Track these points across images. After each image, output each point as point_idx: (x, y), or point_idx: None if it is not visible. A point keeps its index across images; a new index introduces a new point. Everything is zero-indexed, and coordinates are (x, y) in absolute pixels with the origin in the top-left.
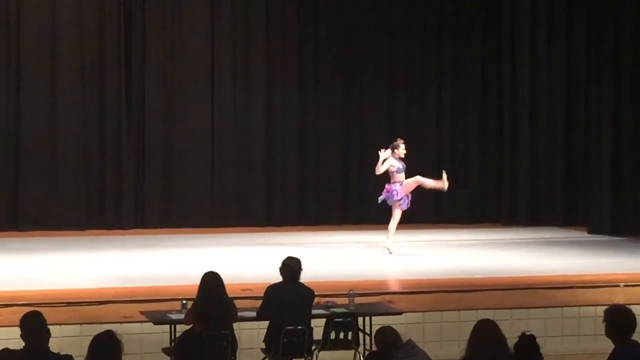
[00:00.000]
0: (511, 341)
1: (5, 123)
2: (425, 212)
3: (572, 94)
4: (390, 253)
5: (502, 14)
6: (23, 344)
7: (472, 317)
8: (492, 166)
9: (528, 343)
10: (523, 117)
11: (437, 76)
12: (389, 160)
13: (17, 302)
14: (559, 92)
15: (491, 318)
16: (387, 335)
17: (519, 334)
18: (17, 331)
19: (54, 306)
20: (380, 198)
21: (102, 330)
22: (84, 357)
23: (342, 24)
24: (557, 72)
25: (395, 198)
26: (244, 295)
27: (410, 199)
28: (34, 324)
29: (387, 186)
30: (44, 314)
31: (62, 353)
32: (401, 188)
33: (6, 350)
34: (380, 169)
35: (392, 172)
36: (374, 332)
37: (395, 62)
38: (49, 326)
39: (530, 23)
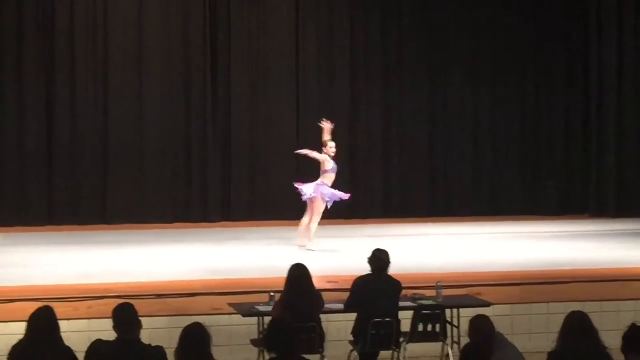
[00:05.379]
0: (602, 334)
1: (93, 121)
2: (512, 204)
3: None
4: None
5: (588, 2)
6: (115, 335)
7: (560, 310)
8: (579, 157)
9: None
10: (610, 107)
11: (521, 68)
12: (324, 156)
13: (108, 295)
14: None
15: (581, 310)
16: (484, 325)
17: (610, 327)
18: (109, 323)
19: (144, 298)
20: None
21: (191, 322)
22: (173, 349)
23: (426, 19)
24: None
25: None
26: (330, 288)
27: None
28: (126, 316)
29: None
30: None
31: (152, 345)
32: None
33: (99, 341)
34: (312, 154)
35: (326, 171)
36: (462, 325)
37: (479, 56)
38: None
39: (617, 11)
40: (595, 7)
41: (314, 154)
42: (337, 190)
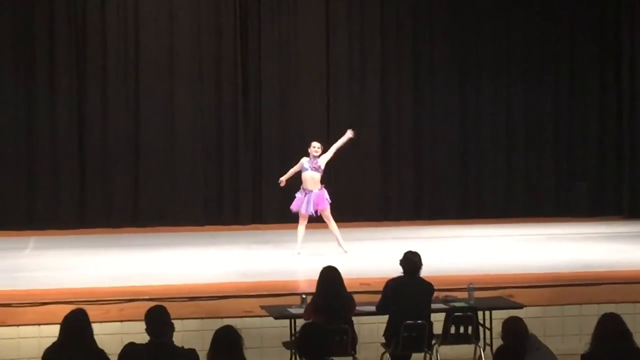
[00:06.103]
0: (636, 336)
1: (125, 123)
2: (545, 206)
3: None
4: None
5: (620, 5)
6: (148, 337)
7: (594, 311)
8: (613, 159)
9: None
10: None
11: (554, 70)
12: (299, 163)
13: (140, 297)
14: None
15: (614, 312)
16: (517, 326)
17: None
18: (141, 325)
19: (176, 301)
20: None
21: (223, 324)
22: (205, 351)
23: (457, 19)
24: None
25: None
26: (362, 290)
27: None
28: (159, 318)
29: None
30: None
31: (185, 347)
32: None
33: (132, 344)
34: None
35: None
36: (494, 327)
37: (511, 56)
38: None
39: None
40: (629, 5)
41: (291, 172)
42: (301, 201)
